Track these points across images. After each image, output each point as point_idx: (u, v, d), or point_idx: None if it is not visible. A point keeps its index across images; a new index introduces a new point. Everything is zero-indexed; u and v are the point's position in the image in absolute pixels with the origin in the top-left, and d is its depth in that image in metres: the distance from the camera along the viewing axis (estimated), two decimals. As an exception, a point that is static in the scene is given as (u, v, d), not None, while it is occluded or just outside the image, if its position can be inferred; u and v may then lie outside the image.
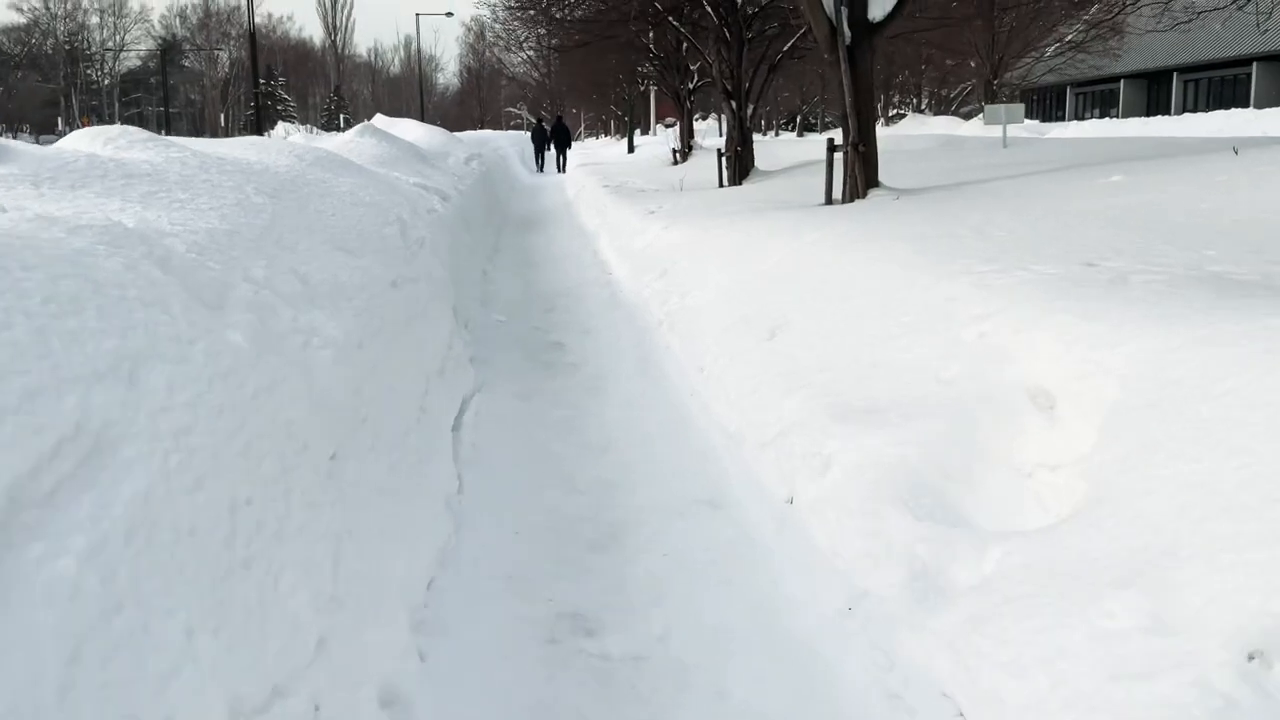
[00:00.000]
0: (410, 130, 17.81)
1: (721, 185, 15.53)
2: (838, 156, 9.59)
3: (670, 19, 16.14)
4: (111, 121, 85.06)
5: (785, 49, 15.43)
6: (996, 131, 25.87)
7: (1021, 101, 33.17)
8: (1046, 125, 33.74)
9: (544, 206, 18.23)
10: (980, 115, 33.03)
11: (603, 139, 57.44)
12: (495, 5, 19.66)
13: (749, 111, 15.89)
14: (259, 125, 27.99)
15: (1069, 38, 32.41)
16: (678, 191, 14.57)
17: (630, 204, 12.40)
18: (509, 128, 65.29)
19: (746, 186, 14.37)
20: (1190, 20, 14.44)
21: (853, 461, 3.31)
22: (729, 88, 15.41)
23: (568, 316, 7.99)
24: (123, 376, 2.21)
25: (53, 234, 2.76)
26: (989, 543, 2.65)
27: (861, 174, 9.21)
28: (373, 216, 6.09)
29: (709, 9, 14.82)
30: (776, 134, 50.53)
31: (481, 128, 54.08)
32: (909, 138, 21.89)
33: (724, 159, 15.74)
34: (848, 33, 9.20)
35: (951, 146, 17.56)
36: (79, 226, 2.91)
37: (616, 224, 11.77)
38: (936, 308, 3.99)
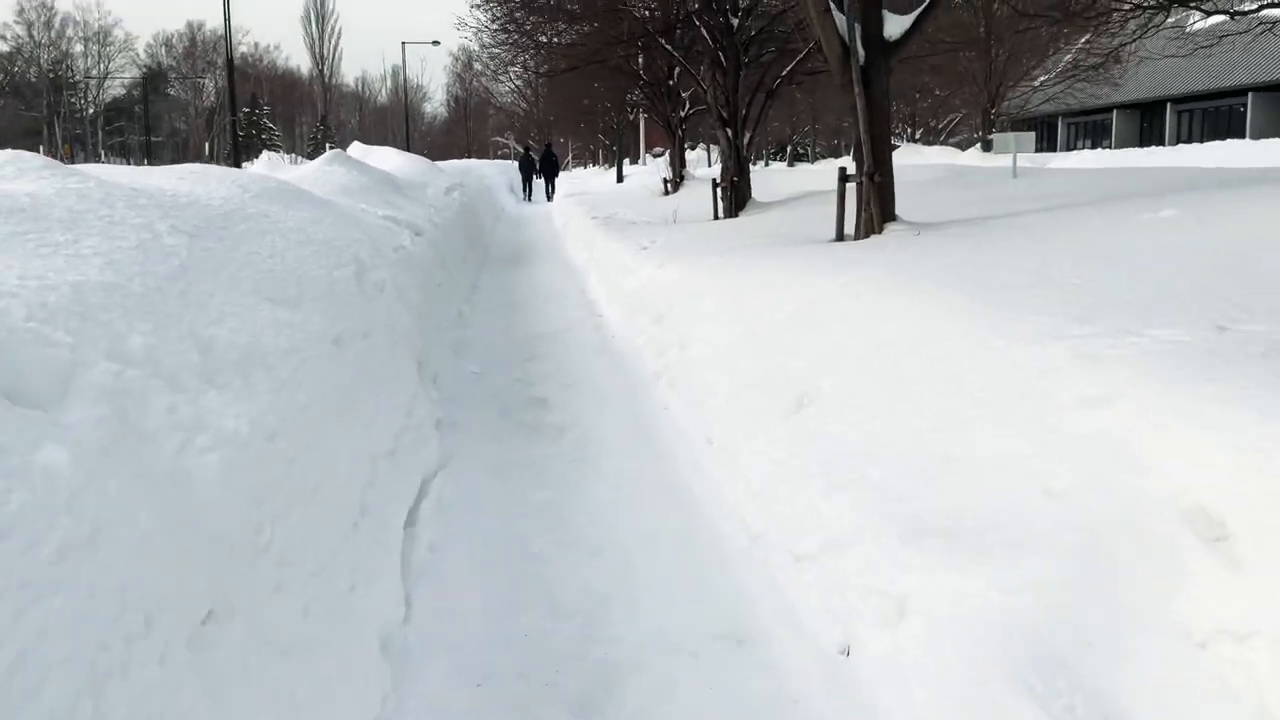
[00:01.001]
0: (388, 159, 16.96)
1: (717, 217, 14.68)
2: (850, 188, 8.74)
3: (662, 42, 15.37)
4: (95, 151, 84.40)
5: (784, 74, 14.65)
6: (998, 161, 25.21)
7: (1020, 130, 32.66)
8: (1043, 156, 33.09)
9: (529, 239, 17.36)
10: (977, 145, 32.43)
11: (590, 168, 56.80)
12: (481, 33, 18.89)
13: (745, 140, 15.08)
14: (236, 154, 27.11)
15: (1064, 65, 31.90)
16: (671, 224, 13.71)
17: (621, 237, 11.53)
18: (496, 157, 64.68)
19: (744, 219, 13.53)
20: (1210, 45, 13.76)
21: (941, 611, 2.39)
22: (724, 115, 14.61)
23: (552, 366, 7.07)
24: None
25: None
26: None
27: (877, 207, 8.36)
28: (323, 257, 5.18)
29: (704, 32, 14.05)
30: (766, 164, 49.91)
31: (468, 156, 53.35)
32: (911, 168, 21.13)
33: (719, 189, 14.91)
34: (861, 53, 8.39)
35: (957, 176, 16.78)
36: None
37: (606, 259, 10.89)
38: (1025, 384, 3.09)
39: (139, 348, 2.72)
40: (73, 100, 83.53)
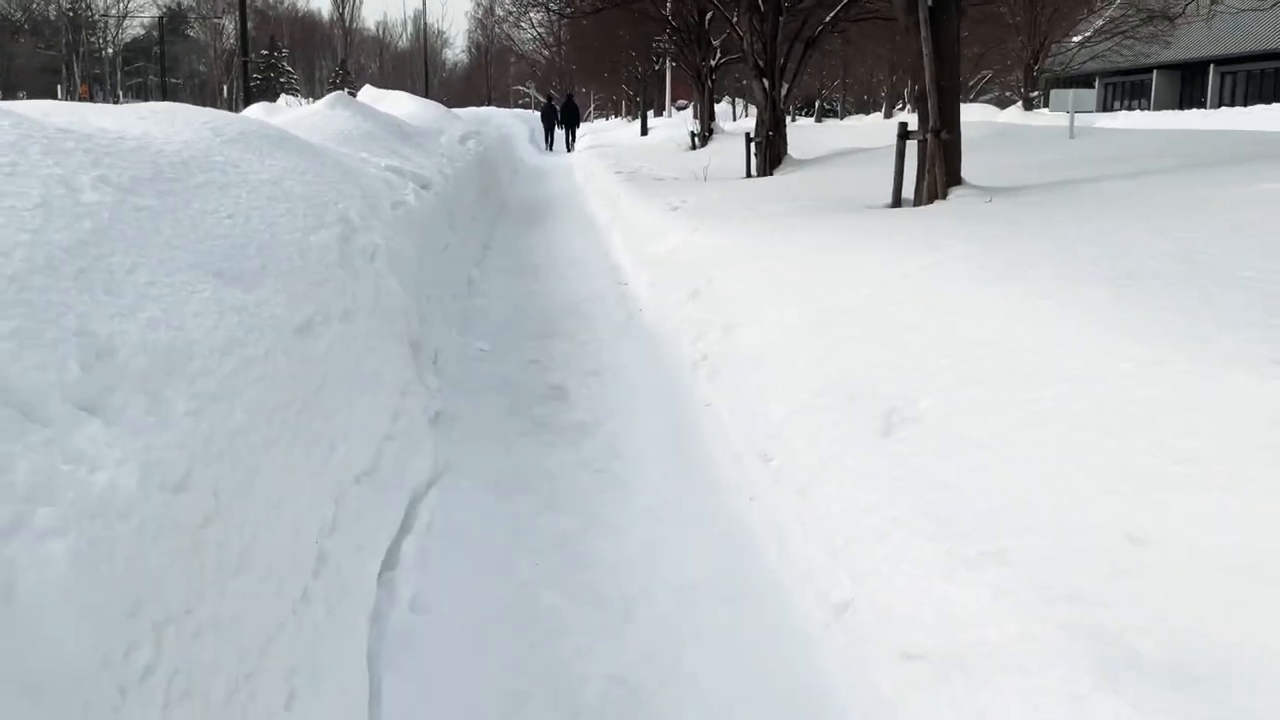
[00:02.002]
0: (400, 104, 15.95)
1: (750, 175, 13.69)
2: (910, 145, 7.75)
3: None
4: (113, 91, 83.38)
5: (826, 20, 13.55)
6: (1043, 120, 23.95)
7: (1049, 89, 31.23)
8: (1085, 116, 31.63)
9: (549, 194, 16.37)
10: (1018, 104, 31.06)
11: (613, 120, 55.47)
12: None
13: (783, 92, 14.01)
14: (247, 95, 26.12)
15: (1107, 20, 30.41)
16: (702, 182, 12.74)
17: (648, 195, 10.57)
18: (517, 105, 63.42)
19: (781, 178, 12.53)
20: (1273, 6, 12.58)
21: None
22: (761, 64, 13.53)
23: (572, 345, 6.17)
24: None
25: None
26: None
27: (942, 169, 7.39)
28: (299, 217, 4.29)
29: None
30: (793, 119, 48.40)
31: (488, 104, 52.04)
32: (969, 125, 20.04)
33: (753, 145, 13.88)
34: (930, -8, 7.37)
35: (1005, 136, 15.68)
36: None
37: (632, 219, 9.94)
38: (1250, 434, 2.18)
39: (-25, 362, 1.85)
40: (92, 39, 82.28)
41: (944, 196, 7.33)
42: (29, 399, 1.87)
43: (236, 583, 2.11)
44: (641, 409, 4.88)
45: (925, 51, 7.34)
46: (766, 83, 13.63)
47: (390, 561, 3.11)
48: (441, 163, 9.78)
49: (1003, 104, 34.68)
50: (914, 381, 3.33)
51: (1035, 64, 28.39)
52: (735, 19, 14.41)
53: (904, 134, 7.76)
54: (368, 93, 16.82)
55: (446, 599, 3.01)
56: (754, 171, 13.71)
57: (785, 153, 13.88)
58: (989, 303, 3.60)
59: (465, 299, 7.15)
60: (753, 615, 2.90)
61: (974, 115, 30.59)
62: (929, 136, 7.33)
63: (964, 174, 7.71)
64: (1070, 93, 15.48)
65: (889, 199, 7.88)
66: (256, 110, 10.11)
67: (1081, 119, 29.82)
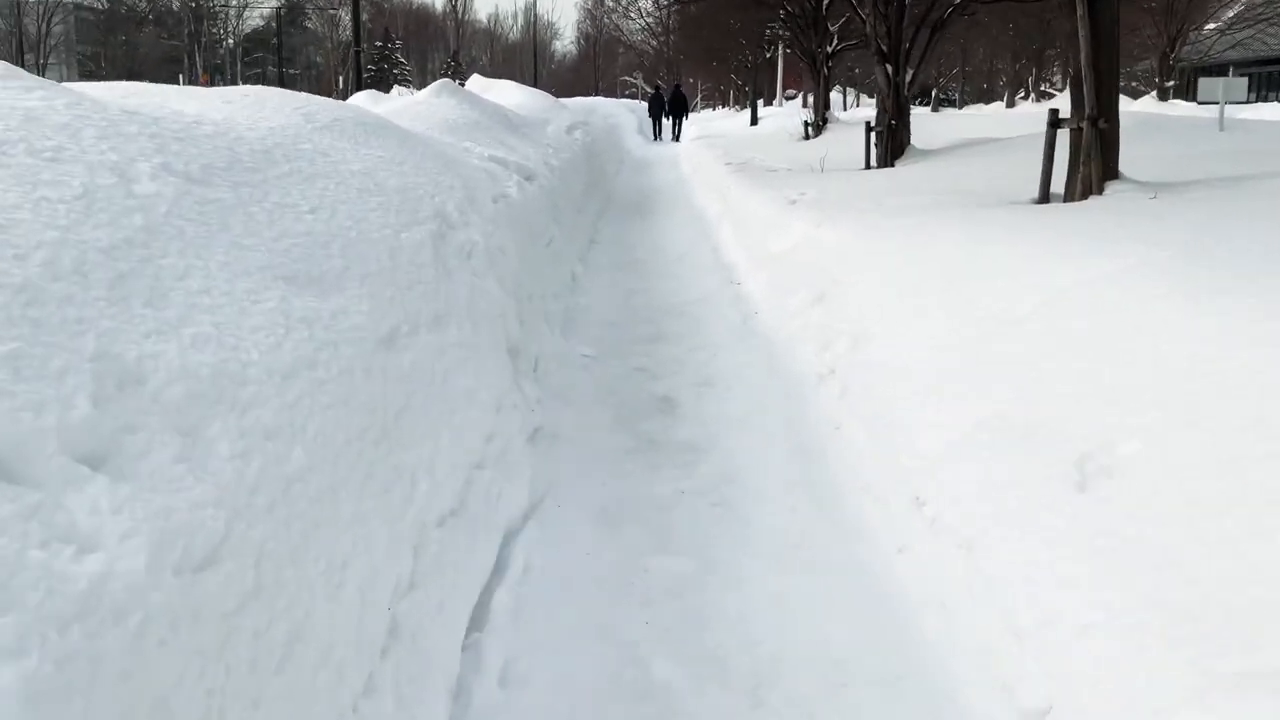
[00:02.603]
0: (507, 93, 15.67)
1: (870, 166, 12.95)
2: (1061, 135, 7.00)
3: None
4: (233, 81, 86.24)
5: (957, 1, 12.72)
6: (1181, 111, 22.45)
7: (1185, 79, 29.32)
8: (1230, 108, 29.61)
9: (655, 184, 15.89)
10: (1151, 94, 29.33)
11: (720, 110, 54.73)
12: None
13: (907, 78, 13.22)
14: (359, 84, 26.32)
15: (1245, 5, 28.43)
16: (818, 173, 12.06)
17: (760, 187, 9.97)
18: (624, 95, 63.23)
19: (905, 169, 11.77)
20: None
21: None
22: (885, 48, 12.77)
23: (682, 350, 5.67)
24: None
25: None
26: None
27: (1098, 161, 6.63)
28: (391, 212, 3.88)
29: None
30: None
31: (596, 94, 51.86)
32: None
33: (874, 134, 13.14)
34: (1088, -38, 6.62)
35: (1153, 127, 14.51)
36: None
37: (744, 213, 9.38)
38: None
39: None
40: (213, 30, 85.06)
41: (1100, 191, 6.57)
42: (7, 452, 1.44)
43: (278, 683, 1.66)
44: (760, 428, 4.34)
45: (1081, 31, 6.58)
46: (890, 68, 12.87)
47: (478, 620, 2.65)
48: (547, 153, 9.38)
49: (1134, 94, 32.83)
50: (1111, 420, 2.72)
51: (1171, 52, 26.68)
52: (858, 2, 13.67)
53: (1055, 122, 7.00)
54: (475, 82, 16.58)
55: (542, 668, 2.53)
56: (874, 162, 12.98)
57: (908, 142, 13.10)
58: (1202, 324, 2.95)
59: (569, 297, 6.70)
60: (918, 710, 2.35)
61: (1103, 104, 29.01)
62: (1085, 125, 6.57)
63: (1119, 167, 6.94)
64: (1220, 81, 14.26)
65: (1034, 194, 7.15)
66: (362, 98, 9.86)
67: (1226, 110, 27.93)
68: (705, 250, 8.95)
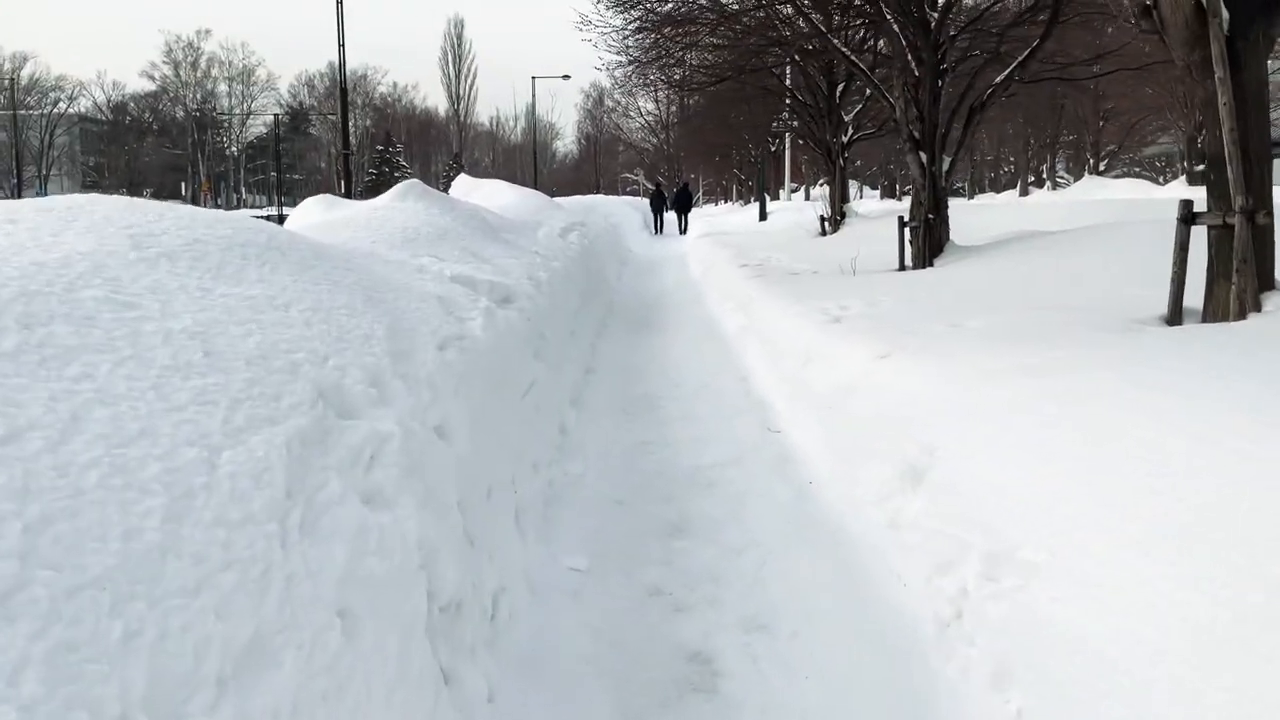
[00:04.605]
0: (498, 194, 14.25)
1: (904, 267, 11.40)
2: (1196, 231, 5.38)
3: (835, 42, 12.19)
4: (236, 188, 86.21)
5: (998, 81, 11.31)
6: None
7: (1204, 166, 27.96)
8: None
9: (662, 290, 14.33)
10: (1180, 178, 27.99)
11: (723, 205, 53.93)
12: (615, 63, 16.00)
13: (944, 166, 11.75)
14: (348, 188, 25.19)
15: None
16: (850, 276, 10.49)
17: (789, 297, 8.37)
18: (625, 193, 62.79)
19: (950, 271, 10.17)
20: None
21: None
22: (917, 135, 11.31)
23: (715, 556, 3.94)
24: None
25: None
26: None
27: (1251, 268, 4.99)
28: (220, 406, 2.22)
29: (893, 23, 10.84)
30: (898, 199, 45.67)
31: (597, 192, 51.04)
32: (1126, 206, 17.52)
33: (908, 230, 11.61)
34: (1225, 14, 5.09)
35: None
36: None
37: (772, 330, 7.75)
38: None
39: None
40: (217, 139, 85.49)
41: (1257, 308, 4.93)
42: None
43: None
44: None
45: (1222, 98, 5.02)
46: (924, 156, 11.38)
47: None
48: (534, 264, 7.80)
49: (1164, 179, 31.63)
50: None
51: (1200, 133, 25.39)
52: (883, 84, 12.30)
53: (1188, 216, 5.38)
54: (462, 182, 15.20)
55: None
56: (909, 262, 11.43)
57: (947, 239, 11.56)
58: None
59: (555, 463, 4.98)
60: None
61: (1124, 192, 27.60)
62: (1238, 219, 4.96)
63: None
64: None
65: (1154, 308, 5.51)
66: (314, 204, 8.34)
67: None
68: (730, 379, 7.26)
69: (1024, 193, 34.79)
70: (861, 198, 37.66)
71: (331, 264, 3.96)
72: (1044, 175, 37.22)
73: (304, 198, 9.81)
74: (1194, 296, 5.41)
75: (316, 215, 7.72)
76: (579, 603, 3.49)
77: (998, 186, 50.08)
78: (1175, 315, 5.34)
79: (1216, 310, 5.18)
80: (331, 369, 2.81)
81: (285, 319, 3.02)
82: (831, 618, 3.28)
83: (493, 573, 3.25)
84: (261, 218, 5.80)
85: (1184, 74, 5.41)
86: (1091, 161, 34.23)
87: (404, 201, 7.84)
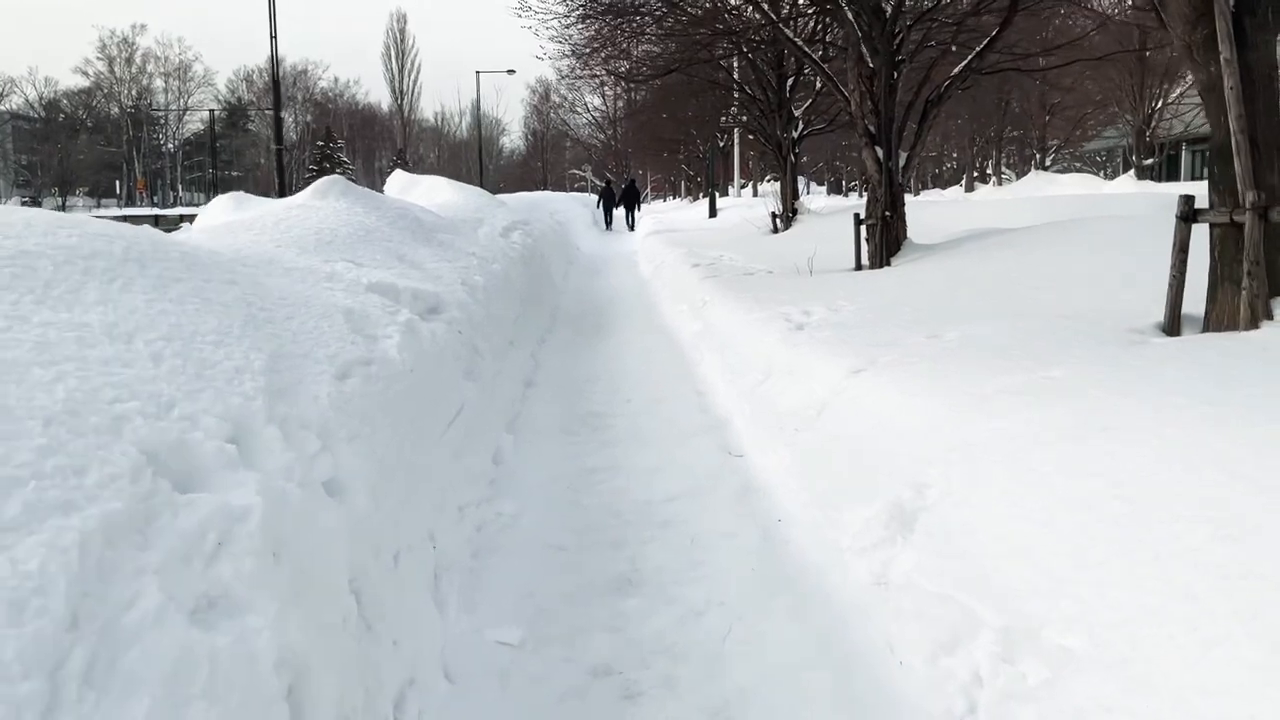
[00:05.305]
0: (437, 191, 13.54)
1: (860, 266, 10.90)
2: (1197, 230, 4.88)
3: (788, 33, 11.65)
4: (173, 186, 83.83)
5: (955, 72, 10.85)
6: (1167, 190, 20.90)
7: (1154, 159, 27.99)
8: (1167, 186, 28.24)
9: (611, 291, 13.71)
10: (1130, 172, 27.98)
11: (672, 201, 53.43)
12: (559, 52, 15.36)
13: (901, 162, 11.27)
14: (281, 186, 24.22)
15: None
16: (808, 276, 9.96)
17: (746, 300, 7.80)
18: (573, 189, 62.03)
19: (910, 270, 9.67)
20: None
21: None
22: (873, 129, 10.81)
23: (672, 622, 3.33)
24: None
25: None
26: None
27: (1264, 270, 4.49)
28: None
29: (847, 12, 10.31)
30: (860, 194, 45.55)
31: (544, 189, 50.16)
32: (1084, 201, 17.24)
33: (864, 227, 11.11)
34: (1229, -8, 4.59)
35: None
36: None
37: (731, 338, 7.17)
38: None
39: None
40: (154, 136, 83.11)
41: (1269, 315, 4.44)
42: None
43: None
44: None
45: (1228, 82, 4.52)
46: (880, 151, 10.89)
47: None
48: (471, 266, 7.13)
49: (1110, 173, 31.64)
50: None
51: (1148, 127, 25.35)
52: (835, 75, 11.80)
53: (1189, 214, 4.88)
54: (397, 179, 14.44)
55: None
56: (865, 261, 10.93)
57: (904, 237, 11.08)
58: None
59: (486, 503, 4.33)
60: None
61: (1072, 187, 27.46)
62: (1249, 217, 4.46)
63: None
64: None
65: (1150, 315, 5.02)
66: (224, 201, 7.59)
67: (1161, 189, 26.56)
68: (686, 393, 6.66)
69: (969, 188, 34.69)
70: (809, 194, 37.40)
71: (206, 277, 3.29)
72: (989, 171, 37.17)
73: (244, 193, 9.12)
74: (1191, 302, 4.92)
75: (223, 215, 7.00)
76: (507, 691, 2.86)
77: (941, 183, 50.16)
78: (1174, 323, 4.84)
79: (1221, 318, 4.69)
80: (174, 421, 2.16)
81: (123, 354, 2.35)
82: (816, 709, 2.69)
83: (398, 665, 2.62)
84: (173, 217, 5.09)
85: (1184, 56, 4.89)
86: (1038, 157, 34.18)
87: (323, 200, 7.14)
